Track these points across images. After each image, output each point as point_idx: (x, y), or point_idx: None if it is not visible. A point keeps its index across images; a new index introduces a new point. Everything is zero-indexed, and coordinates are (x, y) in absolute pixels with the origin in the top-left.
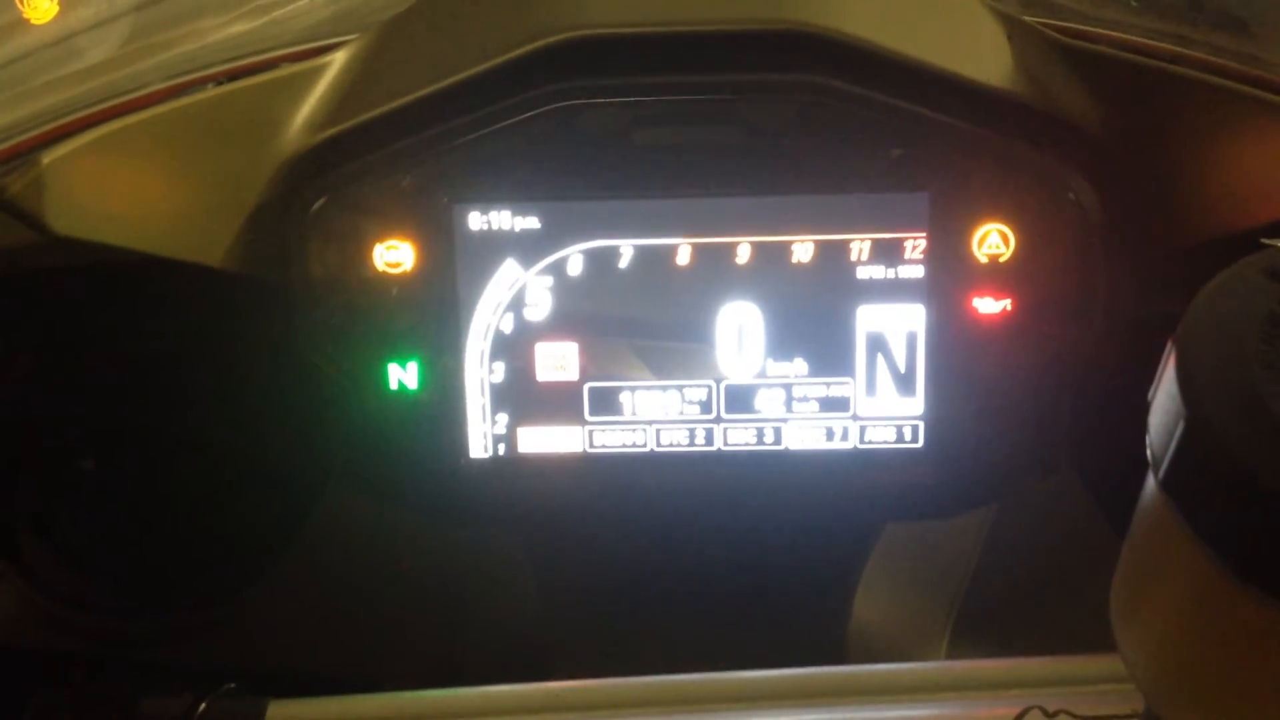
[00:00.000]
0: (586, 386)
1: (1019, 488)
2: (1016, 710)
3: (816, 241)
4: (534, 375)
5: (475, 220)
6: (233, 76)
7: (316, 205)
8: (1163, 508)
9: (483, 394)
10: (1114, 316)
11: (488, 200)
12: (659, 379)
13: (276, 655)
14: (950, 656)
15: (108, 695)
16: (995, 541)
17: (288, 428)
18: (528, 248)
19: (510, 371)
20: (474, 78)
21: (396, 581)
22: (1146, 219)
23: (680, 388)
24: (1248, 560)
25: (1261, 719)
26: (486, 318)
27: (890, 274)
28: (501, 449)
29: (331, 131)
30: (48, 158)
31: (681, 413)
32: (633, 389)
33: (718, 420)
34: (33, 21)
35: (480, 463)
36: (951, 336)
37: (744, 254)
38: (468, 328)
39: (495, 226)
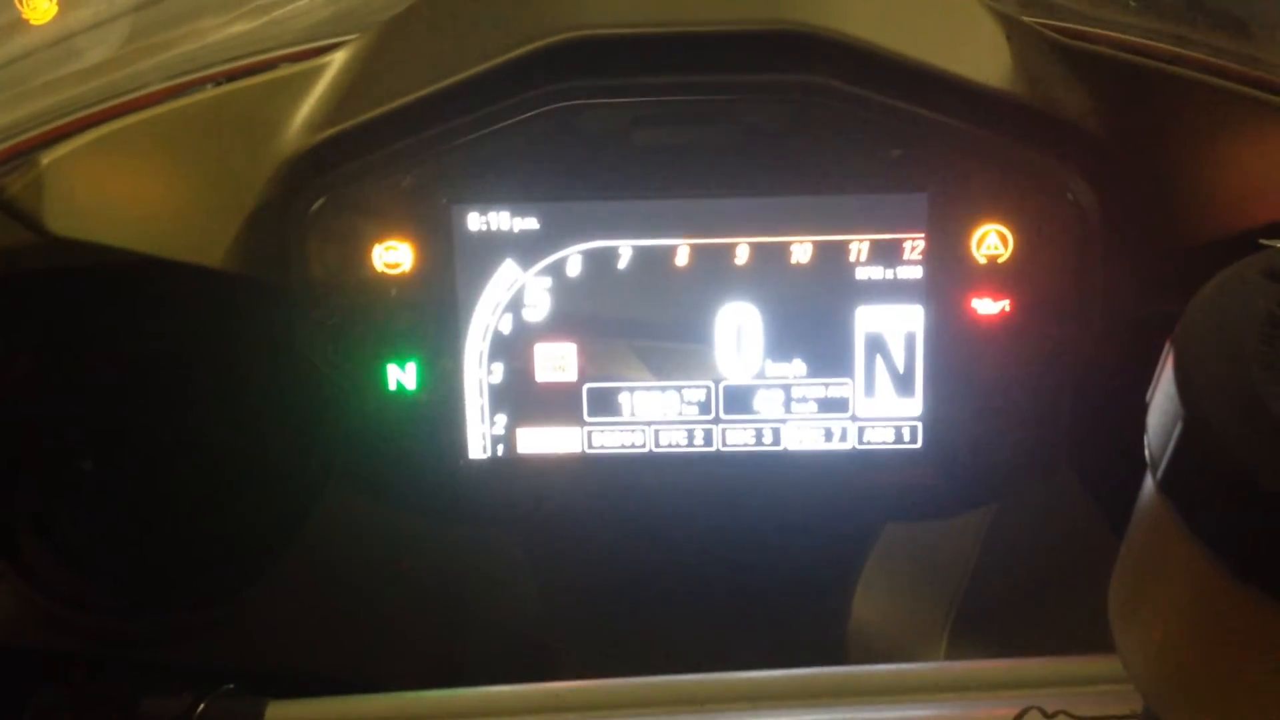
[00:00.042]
0: (585, 387)
1: (1018, 488)
2: (1016, 710)
3: (815, 242)
4: (533, 376)
5: (474, 221)
6: (232, 77)
7: (316, 205)
8: (1161, 508)
9: (481, 395)
10: (1113, 317)
11: (487, 201)
12: (658, 380)
13: (276, 655)
14: (949, 657)
15: (108, 695)
16: (994, 542)
17: (288, 428)
18: (527, 248)
19: (509, 372)
20: (474, 78)
21: (396, 581)
22: (1145, 219)
23: (679, 388)
24: (1246, 560)
25: (1261, 719)
26: (485, 318)
27: (889, 275)
28: (500, 450)
29: (331, 132)
30: (47, 158)
31: (680, 413)
32: (632, 390)
33: (716, 421)
34: (32, 22)
35: (479, 463)
36: (950, 337)
37: (743, 255)
38: (467, 328)
39: (494, 227)
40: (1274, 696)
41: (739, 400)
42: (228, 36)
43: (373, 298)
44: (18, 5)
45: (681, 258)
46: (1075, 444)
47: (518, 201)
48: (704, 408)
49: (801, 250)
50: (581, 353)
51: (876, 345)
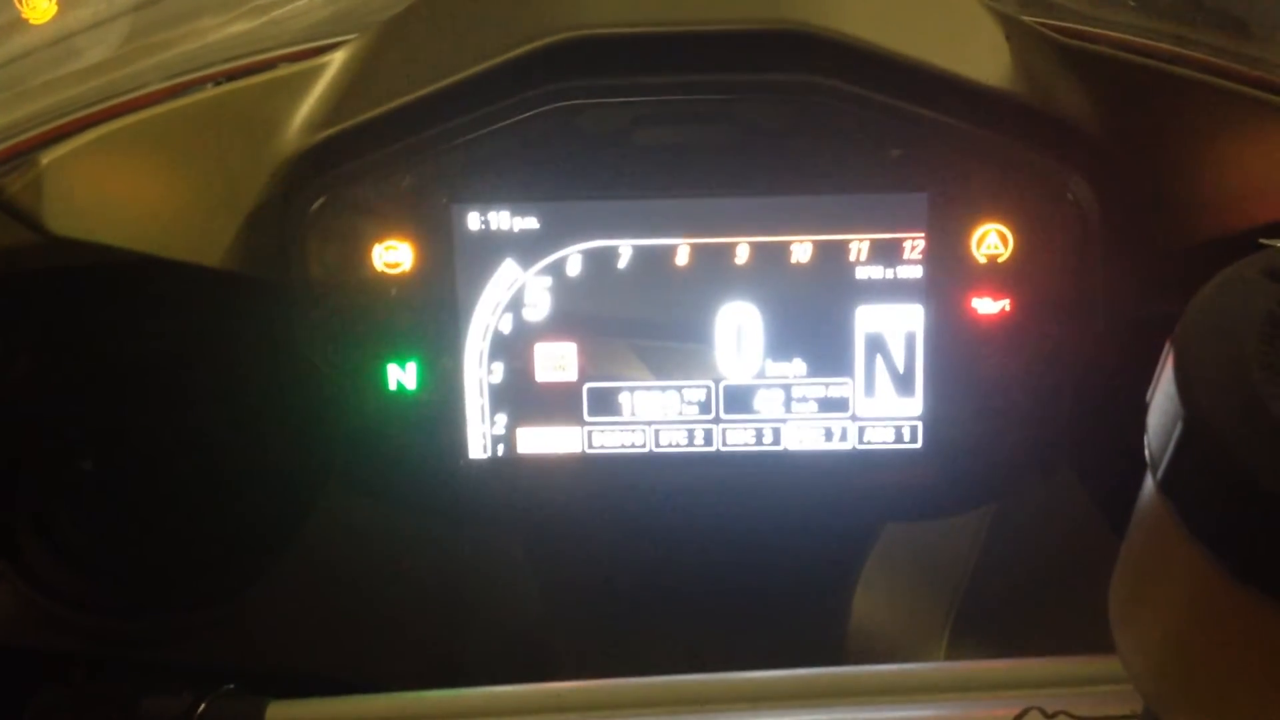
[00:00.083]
0: (585, 387)
1: (1018, 488)
2: (1016, 711)
3: (815, 242)
4: (533, 376)
5: (474, 220)
6: (232, 76)
7: (315, 205)
8: (1161, 508)
9: (482, 394)
10: (1113, 316)
11: (487, 200)
12: (658, 379)
13: (276, 655)
14: (949, 657)
15: (108, 695)
16: (994, 542)
17: (288, 428)
18: (527, 248)
19: (509, 372)
20: (473, 78)
21: (396, 581)
22: (1145, 219)
23: (679, 388)
24: (1246, 561)
25: (1261, 719)
26: (485, 318)
27: (889, 274)
28: (500, 449)
29: (330, 131)
30: (47, 158)
31: (680, 413)
32: (632, 389)
33: (717, 421)
34: (31, 21)
35: (479, 463)
36: (950, 337)
37: (743, 254)
38: (467, 328)
39: (494, 227)
40: (1274, 696)
41: (739, 400)
42: (227, 36)
43: (373, 297)
44: (17, 5)
45: (681, 257)
46: (1075, 444)
47: (518, 201)
48: (704, 407)
49: (801, 250)
50: (582, 352)
51: (876, 345)
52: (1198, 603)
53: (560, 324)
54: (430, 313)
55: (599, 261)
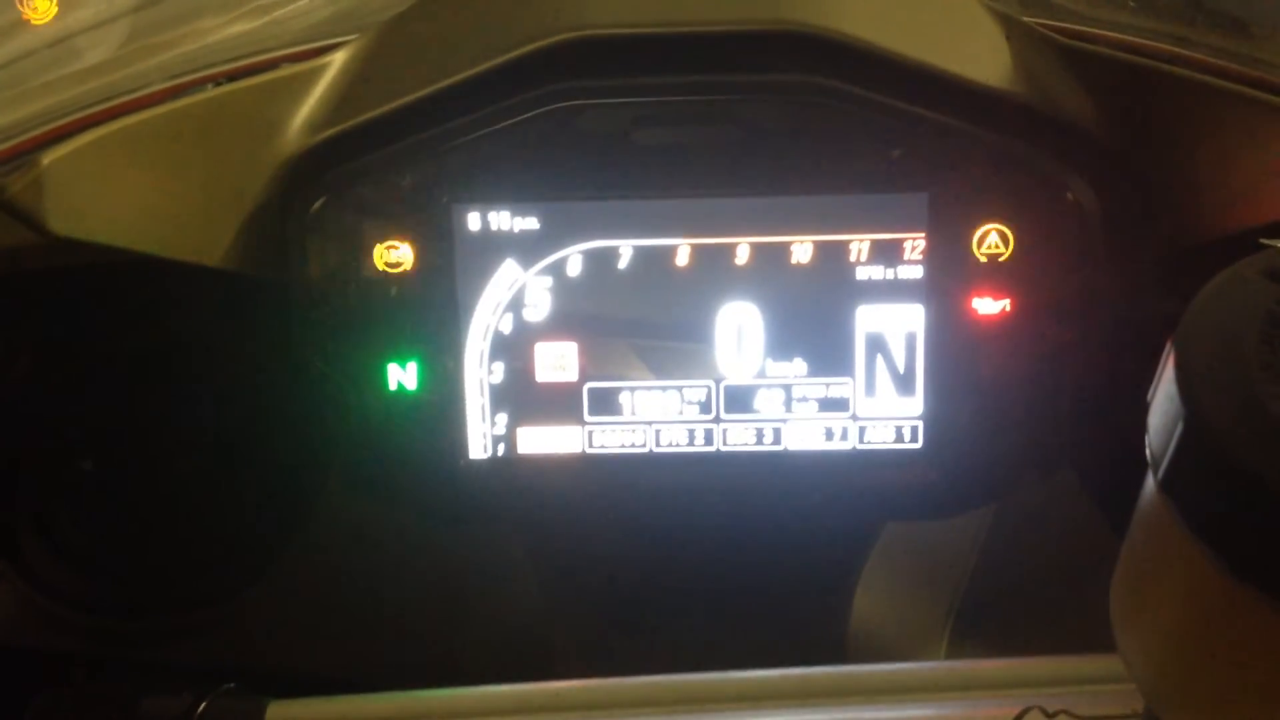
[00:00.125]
0: (586, 387)
1: (1019, 488)
2: (1016, 710)
3: (816, 242)
4: (533, 376)
5: (475, 220)
6: (232, 77)
7: (316, 205)
8: (1162, 508)
9: (482, 394)
10: (1113, 317)
11: (487, 200)
12: (659, 379)
13: (276, 655)
14: (950, 656)
15: (108, 695)
16: (994, 541)
17: (288, 428)
18: (527, 248)
19: (510, 372)
20: (474, 78)
21: (396, 581)
22: (1146, 219)
23: (680, 388)
24: (1246, 560)
25: (1261, 719)
26: (486, 318)
27: (890, 274)
28: (501, 449)
29: (331, 132)
30: (47, 158)
31: (681, 413)
32: (632, 389)
33: (717, 420)
34: (32, 22)
35: (480, 463)
36: (951, 337)
37: (743, 254)
38: (467, 328)
39: (495, 227)
40: (1274, 696)
41: (740, 400)
42: (228, 36)
43: (373, 297)
44: (18, 5)
45: (682, 257)
46: (1075, 444)
47: (518, 201)
48: (705, 407)
49: (802, 250)
50: (582, 352)
51: (877, 345)
52: (1198, 602)
53: (561, 324)
54: (431, 313)
55: (599, 262)
